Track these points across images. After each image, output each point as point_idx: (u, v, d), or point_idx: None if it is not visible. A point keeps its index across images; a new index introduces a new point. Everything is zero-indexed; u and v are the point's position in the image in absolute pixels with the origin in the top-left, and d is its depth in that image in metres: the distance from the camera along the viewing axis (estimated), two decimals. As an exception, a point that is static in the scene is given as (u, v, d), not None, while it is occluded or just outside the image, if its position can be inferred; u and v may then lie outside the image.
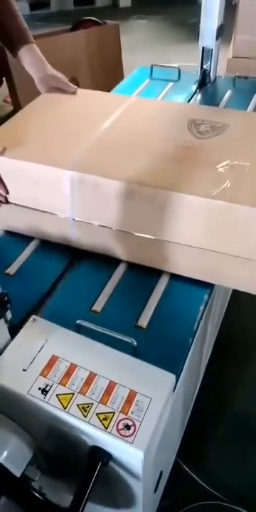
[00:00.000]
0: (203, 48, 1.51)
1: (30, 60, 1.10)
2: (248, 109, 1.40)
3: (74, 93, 1.16)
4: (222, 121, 1.00)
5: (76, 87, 1.17)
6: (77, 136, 0.97)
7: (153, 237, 0.85)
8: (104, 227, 0.88)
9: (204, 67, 1.54)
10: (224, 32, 1.53)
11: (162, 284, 0.89)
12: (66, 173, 0.86)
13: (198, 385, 1.33)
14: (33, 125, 1.03)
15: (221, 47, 1.58)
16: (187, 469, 1.26)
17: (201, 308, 0.85)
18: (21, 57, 1.09)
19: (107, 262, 0.94)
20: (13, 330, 0.79)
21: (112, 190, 0.83)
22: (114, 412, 0.67)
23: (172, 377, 0.72)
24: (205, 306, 0.86)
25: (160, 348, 0.77)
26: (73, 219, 0.90)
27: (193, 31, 1.80)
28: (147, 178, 0.82)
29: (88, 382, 0.70)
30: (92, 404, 0.68)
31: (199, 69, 1.54)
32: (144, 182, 0.82)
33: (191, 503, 1.20)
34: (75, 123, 1.03)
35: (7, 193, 0.93)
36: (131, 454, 0.64)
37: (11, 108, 2.98)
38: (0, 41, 1.10)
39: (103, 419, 0.66)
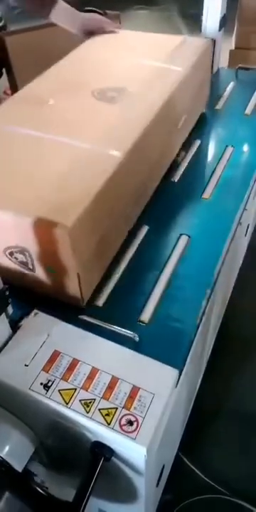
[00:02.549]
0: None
1: (64, 14, 1.26)
2: (251, 100, 1.39)
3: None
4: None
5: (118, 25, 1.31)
6: None
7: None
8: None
9: (206, 58, 1.52)
10: (226, 23, 1.52)
11: (164, 278, 0.88)
12: None
13: (200, 379, 1.33)
14: None
15: (223, 38, 1.56)
16: (188, 463, 1.27)
17: (203, 303, 0.84)
18: (54, 17, 1.26)
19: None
20: (15, 324, 0.78)
21: None
22: (116, 408, 0.66)
23: (175, 372, 0.72)
24: (208, 300, 0.86)
25: (162, 343, 0.77)
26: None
27: (194, 22, 1.78)
28: None
29: (90, 377, 0.70)
30: (95, 399, 0.67)
31: (201, 60, 1.52)
32: None
33: (193, 497, 1.21)
34: None
35: None
36: (134, 450, 0.64)
37: (11, 100, 2.96)
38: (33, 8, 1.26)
39: (106, 414, 0.66)
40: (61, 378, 0.70)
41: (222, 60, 1.69)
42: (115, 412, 0.66)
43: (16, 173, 0.82)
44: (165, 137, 1.07)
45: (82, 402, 0.67)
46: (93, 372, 0.70)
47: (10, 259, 0.79)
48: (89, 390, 0.68)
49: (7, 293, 0.73)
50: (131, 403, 0.67)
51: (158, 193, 1.06)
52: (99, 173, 0.80)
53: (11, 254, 0.78)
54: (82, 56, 1.23)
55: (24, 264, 0.79)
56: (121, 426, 0.64)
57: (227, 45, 2.32)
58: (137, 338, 0.76)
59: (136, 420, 0.65)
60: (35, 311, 0.81)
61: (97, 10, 3.12)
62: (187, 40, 1.26)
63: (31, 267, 0.79)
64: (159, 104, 0.99)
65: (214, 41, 1.48)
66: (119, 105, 0.99)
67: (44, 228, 0.71)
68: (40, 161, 0.85)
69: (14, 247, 0.77)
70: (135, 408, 0.66)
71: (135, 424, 0.64)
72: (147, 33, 1.33)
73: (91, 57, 1.22)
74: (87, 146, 0.87)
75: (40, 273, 0.79)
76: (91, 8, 3.16)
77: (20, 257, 0.78)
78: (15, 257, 0.79)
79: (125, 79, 1.08)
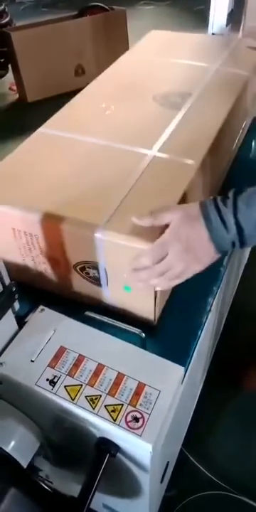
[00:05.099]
0: (213, 34, 1.48)
1: None
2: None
3: None
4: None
5: None
6: None
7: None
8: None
9: (213, 54, 1.51)
10: (234, 18, 1.51)
11: (170, 275, 0.88)
12: None
13: (205, 374, 1.33)
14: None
15: (230, 34, 1.55)
16: (192, 459, 1.27)
17: (210, 299, 0.84)
18: None
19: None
20: (21, 320, 0.79)
21: None
22: (122, 404, 0.66)
23: (181, 369, 0.71)
24: (214, 298, 0.85)
25: (168, 340, 0.77)
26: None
27: (200, 18, 1.77)
28: None
29: (96, 373, 0.70)
30: (101, 396, 0.67)
31: (208, 56, 1.51)
32: None
33: (196, 493, 1.21)
34: None
35: None
36: (139, 447, 0.64)
37: (16, 96, 2.95)
38: None
39: (111, 411, 0.66)
40: (67, 374, 0.70)
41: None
42: (121, 409, 0.66)
43: (83, 182, 0.80)
44: (229, 142, 1.04)
45: (88, 398, 0.67)
46: (99, 369, 0.71)
47: (80, 274, 0.78)
48: (95, 386, 0.68)
49: (14, 289, 0.73)
50: (137, 400, 0.67)
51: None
52: (177, 183, 0.78)
53: (83, 269, 0.77)
54: (133, 59, 1.19)
55: (96, 279, 0.77)
56: (127, 422, 0.64)
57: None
58: (143, 335, 0.76)
59: (142, 417, 0.65)
60: (42, 307, 0.81)
61: (103, 5, 3.12)
62: (239, 41, 1.24)
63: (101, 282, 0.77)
64: (226, 109, 0.95)
65: (221, 37, 1.48)
66: (185, 111, 0.95)
67: None
68: (111, 170, 0.82)
69: (89, 261, 0.75)
70: (141, 405, 0.66)
71: (141, 420, 0.64)
72: (192, 34, 1.31)
73: (143, 60, 1.18)
74: (159, 155, 0.84)
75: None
76: (96, 3, 3.15)
77: (93, 272, 0.76)
78: (86, 272, 0.77)
79: (185, 83, 1.04)
